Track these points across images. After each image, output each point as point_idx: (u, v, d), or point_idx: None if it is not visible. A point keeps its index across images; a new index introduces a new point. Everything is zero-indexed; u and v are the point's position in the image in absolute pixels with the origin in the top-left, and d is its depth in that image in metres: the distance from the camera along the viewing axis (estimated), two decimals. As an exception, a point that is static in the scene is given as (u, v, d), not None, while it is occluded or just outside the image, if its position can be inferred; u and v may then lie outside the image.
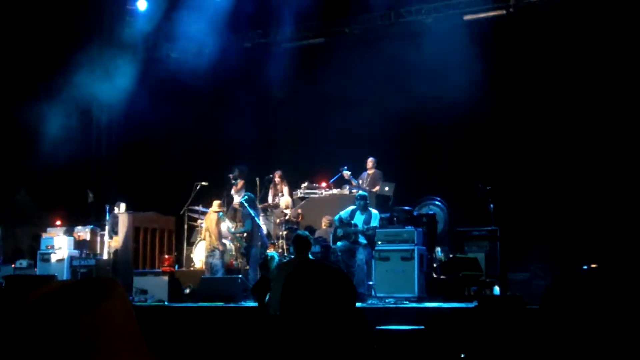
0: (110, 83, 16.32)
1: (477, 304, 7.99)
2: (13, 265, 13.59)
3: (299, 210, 13.05)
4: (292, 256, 9.74)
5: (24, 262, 13.65)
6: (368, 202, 11.25)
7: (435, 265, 11.29)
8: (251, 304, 9.82)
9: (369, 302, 9.87)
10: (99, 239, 14.22)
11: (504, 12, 14.08)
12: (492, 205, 11.58)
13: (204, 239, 12.45)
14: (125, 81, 15.85)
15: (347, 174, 13.19)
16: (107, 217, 14.00)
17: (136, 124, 15.45)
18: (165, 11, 16.29)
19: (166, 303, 10.96)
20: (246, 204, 11.41)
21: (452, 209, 12.87)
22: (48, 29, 15.58)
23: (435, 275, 10.98)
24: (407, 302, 9.61)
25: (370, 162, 13.36)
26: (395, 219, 11.09)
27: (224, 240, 12.30)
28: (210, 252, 12.02)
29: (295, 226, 12.48)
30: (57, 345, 1.38)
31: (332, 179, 13.45)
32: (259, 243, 11.39)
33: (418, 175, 13.91)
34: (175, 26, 16.05)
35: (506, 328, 6.73)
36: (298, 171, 14.15)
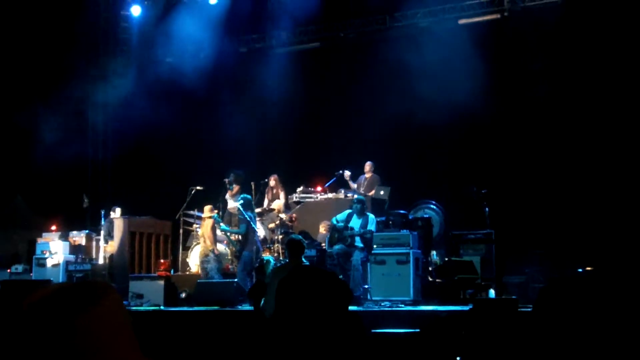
0: (106, 88, 16.35)
1: (472, 307, 7.99)
2: (9, 270, 13.56)
3: (294, 215, 13.05)
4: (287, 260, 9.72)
5: (19, 267, 13.62)
6: (365, 206, 11.27)
7: (430, 268, 11.31)
8: (247, 308, 9.81)
9: (366, 305, 9.87)
10: (94, 243, 14.22)
11: (499, 16, 14.13)
12: (487, 209, 11.61)
13: (200, 244, 12.44)
14: (121, 86, 15.87)
15: (347, 174, 13.19)
16: (103, 222, 14.01)
17: (132, 129, 15.44)
18: (161, 16, 16.33)
19: (162, 307, 10.94)
20: (242, 209, 11.38)
21: (448, 212, 12.90)
22: (44, 34, 15.58)
23: (430, 279, 10.99)
24: (403, 306, 9.62)
25: (368, 166, 13.38)
26: (390, 222, 11.11)
27: (219, 245, 12.29)
28: (205, 257, 11.99)
29: (290, 230, 12.47)
30: (53, 348, 1.39)
31: (328, 183, 13.46)
32: (254, 248, 11.36)
33: (413, 178, 13.92)
34: (172, 31, 16.09)
35: (501, 331, 6.75)
36: (293, 175, 14.14)
